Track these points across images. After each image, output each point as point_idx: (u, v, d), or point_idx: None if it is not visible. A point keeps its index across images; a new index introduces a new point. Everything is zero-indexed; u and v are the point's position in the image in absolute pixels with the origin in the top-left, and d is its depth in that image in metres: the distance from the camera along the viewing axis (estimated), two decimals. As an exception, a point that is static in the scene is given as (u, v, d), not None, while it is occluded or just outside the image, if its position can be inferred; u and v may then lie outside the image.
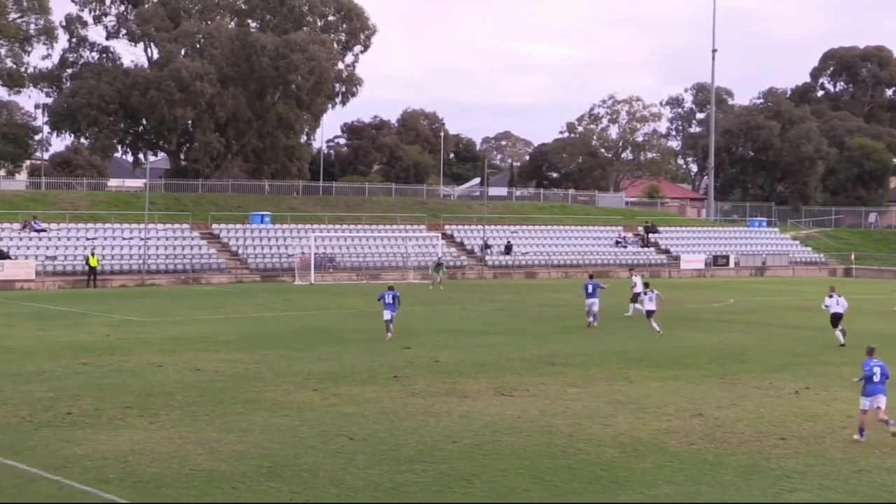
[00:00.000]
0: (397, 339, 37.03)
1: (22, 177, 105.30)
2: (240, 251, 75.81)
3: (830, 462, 19.89)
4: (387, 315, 37.75)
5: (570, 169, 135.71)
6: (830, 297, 39.11)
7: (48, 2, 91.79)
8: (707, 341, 38.58)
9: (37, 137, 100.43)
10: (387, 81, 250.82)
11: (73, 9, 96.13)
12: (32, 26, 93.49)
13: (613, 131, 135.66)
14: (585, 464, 19.31)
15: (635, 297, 47.19)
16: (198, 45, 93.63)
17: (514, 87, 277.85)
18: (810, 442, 21.49)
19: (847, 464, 19.77)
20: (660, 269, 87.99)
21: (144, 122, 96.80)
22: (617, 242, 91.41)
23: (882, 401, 21.46)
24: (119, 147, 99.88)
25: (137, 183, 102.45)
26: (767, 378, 29.53)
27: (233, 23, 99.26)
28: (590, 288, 43.36)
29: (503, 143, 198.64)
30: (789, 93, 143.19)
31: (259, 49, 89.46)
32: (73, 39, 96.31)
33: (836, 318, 38.54)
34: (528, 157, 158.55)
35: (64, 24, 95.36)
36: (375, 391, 26.43)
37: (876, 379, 21.47)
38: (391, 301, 37.83)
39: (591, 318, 42.99)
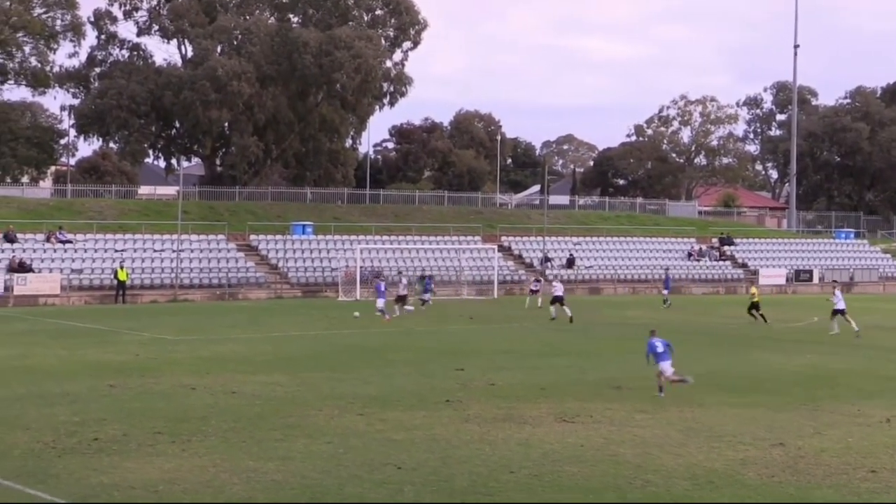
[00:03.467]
0: (450, 360, 37.04)
1: (46, 184, 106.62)
2: (280, 264, 76.16)
3: (926, 497, 19.61)
4: (380, 303, 53.33)
5: (639, 175, 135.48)
6: (555, 284, 58.08)
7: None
8: (789, 364, 38.26)
9: (62, 141, 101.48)
10: (439, 81, 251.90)
11: (103, 3, 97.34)
12: (59, 22, 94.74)
13: (685, 134, 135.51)
14: (655, 497, 19.16)
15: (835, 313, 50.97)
16: (235, 42, 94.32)
17: (577, 86, 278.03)
18: (904, 475, 21.20)
19: (945, 499, 19.48)
20: (736, 285, 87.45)
21: (177, 124, 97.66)
22: (689, 255, 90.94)
23: (667, 366, 29.60)
24: (150, 152, 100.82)
25: (170, 190, 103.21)
26: (856, 404, 29.20)
27: (273, 18, 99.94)
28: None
29: (565, 147, 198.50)
30: (879, 92, 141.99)
31: (301, 46, 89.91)
32: (102, 36, 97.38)
33: (555, 299, 55.67)
34: (592, 163, 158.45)
35: (92, 19, 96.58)
36: (426, 416, 26.41)
37: (660, 350, 29.54)
38: (384, 290, 54.47)
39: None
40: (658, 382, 29.83)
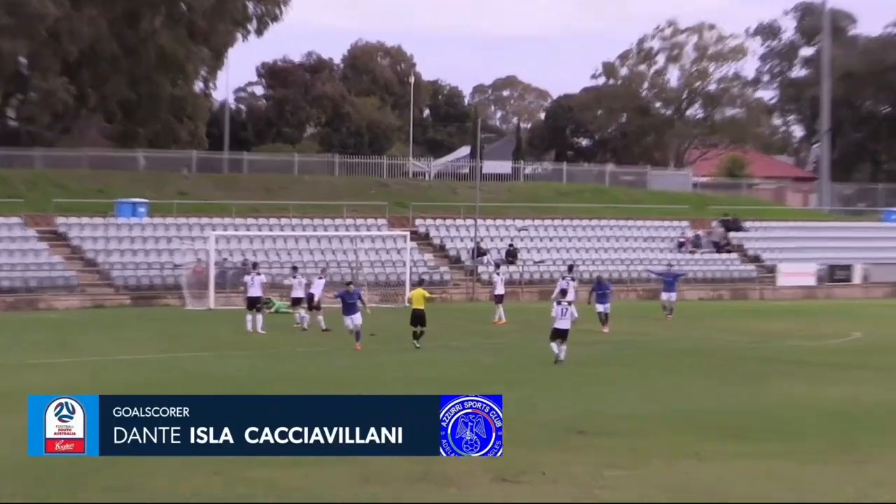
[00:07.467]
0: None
1: None
2: (100, 259, 75.64)
3: None
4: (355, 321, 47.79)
5: (609, 133, 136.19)
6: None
7: None
8: (820, 397, 38.53)
9: None
10: (326, 1, 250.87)
11: None
12: None
13: (674, 76, 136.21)
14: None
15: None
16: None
17: (523, 9, 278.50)
18: (981, 553, 21.40)
19: None
20: (746, 287, 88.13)
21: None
22: (680, 245, 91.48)
23: None
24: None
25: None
26: (914, 454, 29.47)
27: None
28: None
29: (505, 93, 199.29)
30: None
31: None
32: None
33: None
34: (543, 116, 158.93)
35: None
36: (309, 475, 26.26)
37: None
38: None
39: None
40: None
